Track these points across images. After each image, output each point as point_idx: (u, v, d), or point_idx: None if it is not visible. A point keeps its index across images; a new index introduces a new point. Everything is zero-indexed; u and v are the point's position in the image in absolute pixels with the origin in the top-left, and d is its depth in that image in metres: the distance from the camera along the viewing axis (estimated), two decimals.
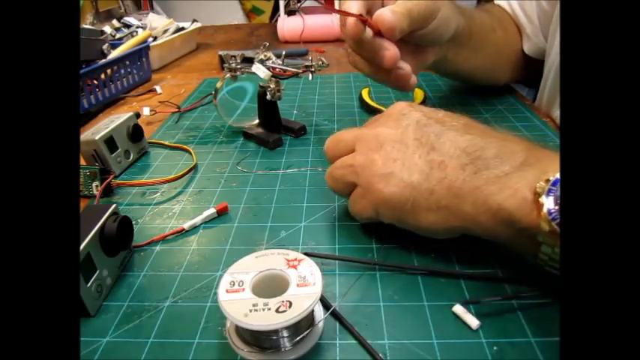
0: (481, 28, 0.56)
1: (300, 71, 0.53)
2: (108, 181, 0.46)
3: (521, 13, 0.61)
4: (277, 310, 0.26)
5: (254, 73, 0.53)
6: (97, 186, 0.46)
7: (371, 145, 0.35)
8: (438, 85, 0.74)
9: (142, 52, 0.84)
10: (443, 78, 0.72)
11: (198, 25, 1.08)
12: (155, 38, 0.95)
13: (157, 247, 0.39)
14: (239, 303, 0.27)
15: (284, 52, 0.56)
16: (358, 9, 0.41)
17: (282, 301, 0.26)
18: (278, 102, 0.57)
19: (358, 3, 0.41)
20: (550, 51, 0.59)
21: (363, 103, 0.67)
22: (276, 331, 0.27)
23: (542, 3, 0.59)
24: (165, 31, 1.00)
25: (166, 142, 0.58)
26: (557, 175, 0.25)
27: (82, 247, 0.31)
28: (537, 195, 0.26)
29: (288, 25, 1.11)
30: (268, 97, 0.54)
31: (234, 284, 0.28)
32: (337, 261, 0.36)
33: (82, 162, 0.50)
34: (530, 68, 0.66)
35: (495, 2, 0.65)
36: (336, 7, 1.09)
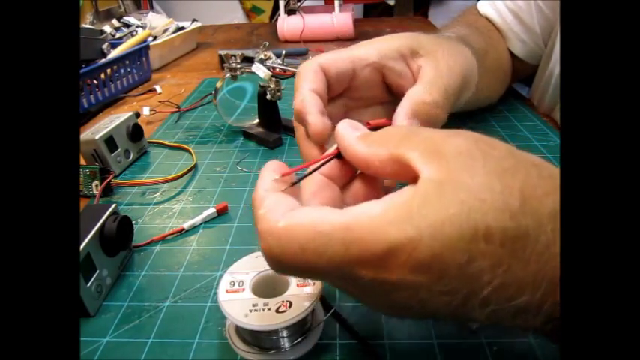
0: (478, 59, 0.51)
1: None
2: (108, 180, 0.46)
3: (511, 17, 0.59)
4: (277, 310, 0.26)
5: (254, 73, 0.53)
6: (96, 186, 0.46)
7: None
8: None
9: (141, 51, 0.84)
10: None
11: (198, 24, 1.08)
12: (155, 38, 0.95)
13: (157, 247, 0.39)
14: (239, 303, 0.27)
15: (284, 52, 0.55)
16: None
17: (282, 301, 0.26)
18: (278, 102, 0.57)
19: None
20: (551, 55, 0.59)
21: None
22: (276, 331, 0.27)
23: (543, 9, 0.58)
24: (165, 31, 1.00)
25: (166, 142, 0.58)
26: None
27: (82, 246, 0.31)
28: None
29: (288, 25, 1.11)
30: (268, 96, 0.54)
31: (234, 284, 0.28)
32: None
33: (82, 162, 0.50)
34: (519, 75, 0.64)
35: (480, 11, 0.62)
36: (336, 8, 1.09)
